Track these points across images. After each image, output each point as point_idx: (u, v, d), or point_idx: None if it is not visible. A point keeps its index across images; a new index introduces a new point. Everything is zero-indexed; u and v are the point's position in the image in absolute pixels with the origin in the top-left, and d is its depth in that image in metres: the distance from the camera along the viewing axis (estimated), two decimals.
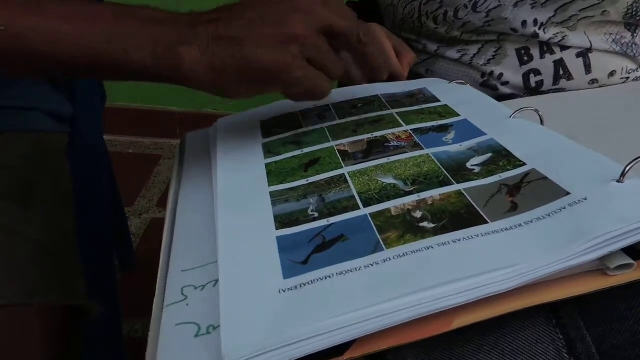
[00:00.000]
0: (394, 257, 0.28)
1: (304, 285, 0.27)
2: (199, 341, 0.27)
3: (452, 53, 0.59)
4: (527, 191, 0.32)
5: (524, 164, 0.34)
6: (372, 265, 0.28)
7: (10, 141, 0.63)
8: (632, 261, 0.26)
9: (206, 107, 1.65)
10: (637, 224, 0.25)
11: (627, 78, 0.58)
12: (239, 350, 0.24)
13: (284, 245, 0.31)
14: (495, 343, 0.27)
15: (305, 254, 0.30)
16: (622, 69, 0.58)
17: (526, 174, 0.33)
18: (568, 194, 0.30)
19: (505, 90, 0.58)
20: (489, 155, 0.36)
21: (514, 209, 0.30)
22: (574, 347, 0.26)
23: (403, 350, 0.26)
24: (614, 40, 0.57)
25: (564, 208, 0.29)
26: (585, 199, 0.29)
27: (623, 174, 0.29)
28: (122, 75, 0.37)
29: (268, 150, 0.42)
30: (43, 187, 0.60)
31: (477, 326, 0.26)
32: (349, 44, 0.39)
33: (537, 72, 0.57)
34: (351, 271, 0.27)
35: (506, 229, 0.28)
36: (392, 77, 0.55)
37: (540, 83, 0.57)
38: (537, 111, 0.40)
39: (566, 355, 0.26)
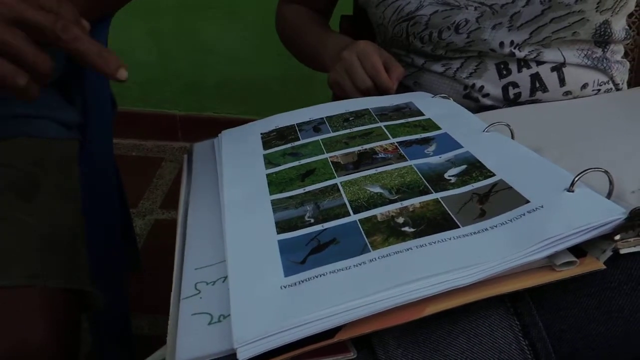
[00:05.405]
0: (378, 257, 0.32)
1: (302, 282, 0.31)
2: (212, 328, 0.31)
3: (437, 67, 0.63)
4: (494, 199, 0.36)
5: (494, 175, 0.39)
6: (360, 264, 0.32)
7: (20, 145, 0.67)
8: (575, 259, 0.31)
9: (207, 111, 1.69)
10: (578, 228, 0.30)
11: (599, 90, 0.63)
12: (247, 335, 0.28)
13: (284, 247, 0.35)
14: (463, 329, 0.31)
15: (303, 255, 0.34)
16: (594, 81, 0.62)
17: (495, 184, 0.38)
18: (528, 202, 0.34)
19: (486, 101, 0.62)
20: (464, 166, 0.41)
21: (482, 215, 0.35)
22: (528, 331, 0.31)
23: (384, 334, 0.31)
24: (585, 55, 0.61)
25: (524, 214, 0.33)
26: (542, 206, 0.34)
27: (572, 184, 0.34)
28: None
29: (268, 161, 0.47)
30: (48, 186, 0.64)
31: (448, 314, 0.30)
32: (48, 38, 0.36)
33: (515, 85, 0.61)
34: (342, 270, 0.32)
35: (474, 233, 0.33)
36: (382, 91, 0.60)
37: (518, 95, 0.61)
38: (508, 125, 0.45)
39: (522, 338, 0.31)
